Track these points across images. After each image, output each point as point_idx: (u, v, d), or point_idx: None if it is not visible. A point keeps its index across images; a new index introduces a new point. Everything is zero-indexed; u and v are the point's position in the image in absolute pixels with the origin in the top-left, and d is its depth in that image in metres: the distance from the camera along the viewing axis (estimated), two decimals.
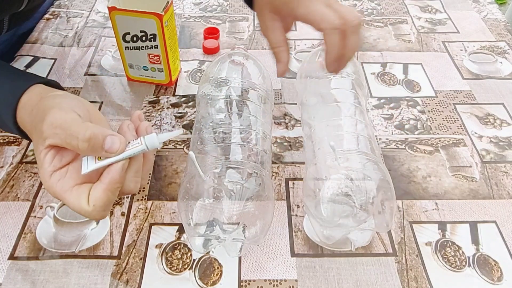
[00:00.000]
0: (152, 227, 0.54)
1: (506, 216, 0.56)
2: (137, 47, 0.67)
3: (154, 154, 0.57)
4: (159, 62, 0.69)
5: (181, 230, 0.54)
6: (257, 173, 0.49)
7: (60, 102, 0.39)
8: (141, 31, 0.65)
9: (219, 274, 0.50)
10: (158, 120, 0.67)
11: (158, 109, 0.69)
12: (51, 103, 0.39)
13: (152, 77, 0.72)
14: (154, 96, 0.72)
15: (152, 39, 0.66)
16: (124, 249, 0.52)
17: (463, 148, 0.64)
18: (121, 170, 0.36)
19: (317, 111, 0.59)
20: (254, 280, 0.49)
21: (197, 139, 0.54)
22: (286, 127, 0.67)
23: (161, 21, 0.63)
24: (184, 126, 0.67)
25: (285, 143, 0.64)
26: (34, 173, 0.60)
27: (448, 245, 0.53)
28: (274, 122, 0.67)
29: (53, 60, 0.78)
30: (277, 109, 0.69)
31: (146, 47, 0.67)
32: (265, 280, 0.49)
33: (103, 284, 0.49)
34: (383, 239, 0.53)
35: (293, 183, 0.59)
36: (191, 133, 0.66)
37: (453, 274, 0.50)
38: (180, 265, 0.50)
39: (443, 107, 0.71)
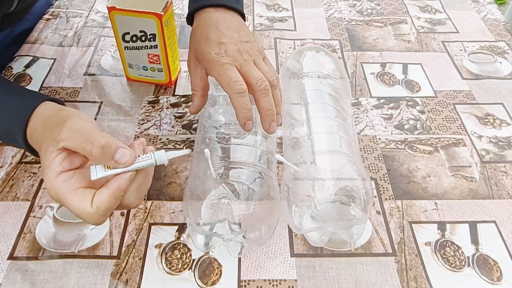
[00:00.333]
0: (152, 227, 0.54)
1: (505, 216, 0.56)
2: (136, 47, 0.67)
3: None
4: (158, 62, 0.69)
5: (180, 230, 0.54)
6: (261, 174, 0.49)
7: (80, 113, 0.42)
8: (140, 31, 0.65)
9: (218, 274, 0.50)
10: (157, 120, 0.67)
11: (158, 109, 0.69)
12: (71, 113, 0.42)
13: (152, 77, 0.72)
14: (154, 96, 0.72)
15: (152, 39, 0.66)
16: (123, 249, 0.52)
17: (462, 148, 0.64)
18: (129, 180, 0.38)
19: (295, 111, 0.59)
20: (253, 280, 0.49)
21: (202, 138, 0.55)
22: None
23: (160, 21, 0.63)
24: (183, 126, 0.67)
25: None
26: (34, 173, 0.60)
27: (447, 245, 0.53)
28: None
29: (53, 60, 0.78)
30: None
31: (146, 47, 0.67)
32: (265, 280, 0.49)
33: (102, 284, 0.49)
34: (382, 239, 0.53)
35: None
36: (190, 133, 0.66)
37: (452, 274, 0.50)
38: (180, 265, 0.50)
39: (443, 107, 0.71)
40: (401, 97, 0.72)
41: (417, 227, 0.54)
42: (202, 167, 0.49)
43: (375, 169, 0.61)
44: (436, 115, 0.69)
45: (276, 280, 0.49)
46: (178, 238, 0.53)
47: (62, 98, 0.71)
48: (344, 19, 0.91)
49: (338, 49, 0.82)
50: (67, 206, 0.38)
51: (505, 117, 0.69)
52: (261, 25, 0.88)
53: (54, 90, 0.72)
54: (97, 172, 0.38)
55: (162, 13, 0.62)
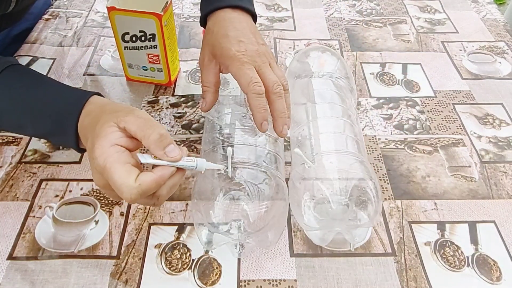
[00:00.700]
0: (151, 227, 0.54)
1: (505, 216, 0.56)
2: (136, 47, 0.67)
3: None
4: (158, 62, 0.69)
5: (180, 230, 0.54)
6: (270, 175, 0.49)
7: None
8: (140, 31, 0.65)
9: (218, 274, 0.50)
10: (157, 120, 0.67)
11: (157, 109, 0.69)
12: (133, 107, 0.45)
13: (151, 77, 0.72)
14: (153, 96, 0.72)
15: (151, 39, 0.66)
16: (123, 249, 0.52)
17: (462, 148, 0.64)
18: (171, 174, 0.40)
19: (302, 111, 0.60)
20: (253, 280, 0.49)
21: (211, 138, 0.55)
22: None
23: (160, 21, 0.63)
24: (183, 126, 0.67)
25: (284, 143, 0.64)
26: (33, 173, 0.60)
27: (447, 245, 0.53)
28: None
29: (52, 60, 0.78)
30: None
31: (145, 47, 0.67)
32: (264, 280, 0.49)
33: (102, 284, 0.49)
34: (382, 239, 0.53)
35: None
36: (190, 133, 0.66)
37: (452, 274, 0.50)
38: (179, 265, 0.50)
39: (442, 107, 0.71)
40: (400, 97, 0.72)
41: (416, 227, 0.54)
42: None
43: (374, 169, 0.61)
44: (435, 115, 0.69)
45: (276, 280, 0.49)
46: (178, 238, 0.53)
47: None
48: (344, 19, 0.91)
49: (338, 49, 0.82)
50: (110, 175, 0.38)
51: (505, 117, 0.69)
52: (260, 25, 0.88)
53: None
54: (145, 158, 0.40)
55: (162, 13, 0.62)
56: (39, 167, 0.60)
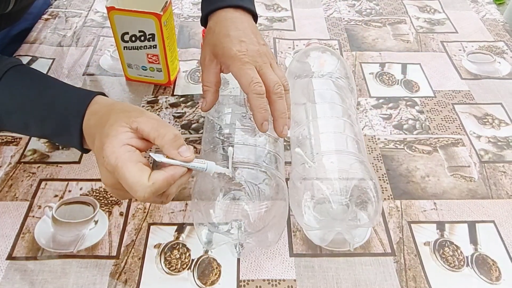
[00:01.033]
0: (151, 227, 0.54)
1: (504, 216, 0.56)
2: (135, 47, 0.67)
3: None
4: (157, 62, 0.69)
5: (179, 230, 0.54)
6: (268, 175, 0.49)
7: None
8: (139, 31, 0.65)
9: (217, 274, 0.50)
10: None
11: (157, 109, 0.69)
12: (142, 109, 0.45)
13: (151, 77, 0.72)
14: (153, 96, 0.72)
15: (151, 39, 0.66)
16: (122, 249, 0.52)
17: (461, 148, 0.64)
18: (181, 174, 0.41)
19: (303, 111, 0.60)
20: (252, 280, 0.49)
21: (211, 138, 0.55)
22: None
23: (159, 21, 0.63)
24: (182, 126, 0.67)
25: (284, 143, 0.64)
26: (33, 173, 0.60)
27: (446, 244, 0.53)
28: None
29: (52, 60, 0.78)
30: None
31: (145, 47, 0.67)
32: (264, 280, 0.49)
33: (101, 284, 0.49)
34: (381, 239, 0.53)
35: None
36: (190, 133, 0.66)
37: (451, 274, 0.50)
38: (179, 265, 0.50)
39: (442, 107, 0.71)
40: (400, 97, 0.72)
41: (416, 227, 0.54)
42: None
43: (374, 169, 0.61)
44: (435, 115, 0.69)
45: (275, 280, 0.49)
46: (177, 238, 0.53)
47: None
48: (343, 19, 0.91)
49: (337, 49, 0.82)
50: (122, 174, 0.38)
51: (504, 117, 0.69)
52: (260, 25, 0.88)
53: None
54: (158, 157, 0.41)
55: (161, 13, 0.62)
56: (39, 167, 0.60)
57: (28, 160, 0.61)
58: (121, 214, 0.55)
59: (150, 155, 0.41)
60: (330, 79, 0.62)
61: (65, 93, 0.48)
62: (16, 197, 0.57)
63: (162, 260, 0.51)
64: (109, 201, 0.56)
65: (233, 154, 0.47)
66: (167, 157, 0.40)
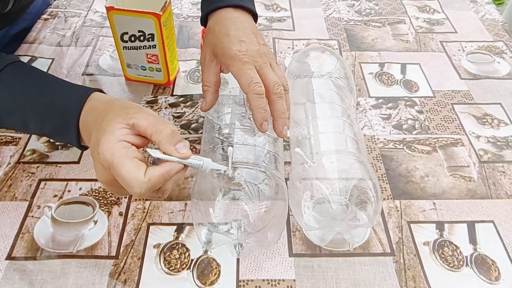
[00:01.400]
0: (150, 227, 0.54)
1: (503, 216, 0.56)
2: (135, 46, 0.67)
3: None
4: (157, 62, 0.69)
5: (179, 230, 0.53)
6: (268, 175, 0.49)
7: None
8: (139, 31, 0.65)
9: (217, 274, 0.50)
10: None
11: (156, 109, 0.69)
12: (141, 106, 0.45)
13: (150, 77, 0.72)
14: (152, 96, 0.72)
15: (150, 39, 0.66)
16: (122, 249, 0.52)
17: (461, 148, 0.64)
18: (177, 170, 0.41)
19: (302, 111, 0.60)
20: (252, 280, 0.49)
21: (210, 138, 0.55)
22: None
23: (159, 21, 0.63)
24: (182, 126, 0.67)
25: (284, 143, 0.64)
26: (32, 173, 0.59)
27: (446, 244, 0.53)
28: None
29: (51, 60, 0.78)
30: None
31: (144, 47, 0.67)
32: (263, 280, 0.49)
33: (101, 284, 0.49)
34: (381, 239, 0.53)
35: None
36: (189, 133, 0.66)
37: (451, 274, 0.50)
38: (178, 265, 0.50)
39: (441, 107, 0.71)
40: (399, 97, 0.73)
41: (415, 227, 0.54)
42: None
43: (373, 169, 0.61)
44: (434, 115, 0.69)
45: (275, 280, 0.49)
46: (177, 238, 0.53)
47: None
48: (343, 19, 0.91)
49: (337, 49, 0.83)
50: (118, 171, 0.38)
51: (503, 117, 0.69)
52: (259, 25, 0.88)
53: None
54: (155, 153, 0.41)
55: (161, 13, 0.62)
56: (38, 167, 0.60)
57: (27, 160, 0.61)
58: (120, 214, 0.55)
59: (146, 150, 0.41)
60: (330, 79, 0.63)
61: (63, 90, 0.48)
62: (16, 197, 0.57)
63: (162, 260, 0.51)
64: (109, 201, 0.56)
65: (232, 154, 0.47)
66: (164, 153, 0.40)
